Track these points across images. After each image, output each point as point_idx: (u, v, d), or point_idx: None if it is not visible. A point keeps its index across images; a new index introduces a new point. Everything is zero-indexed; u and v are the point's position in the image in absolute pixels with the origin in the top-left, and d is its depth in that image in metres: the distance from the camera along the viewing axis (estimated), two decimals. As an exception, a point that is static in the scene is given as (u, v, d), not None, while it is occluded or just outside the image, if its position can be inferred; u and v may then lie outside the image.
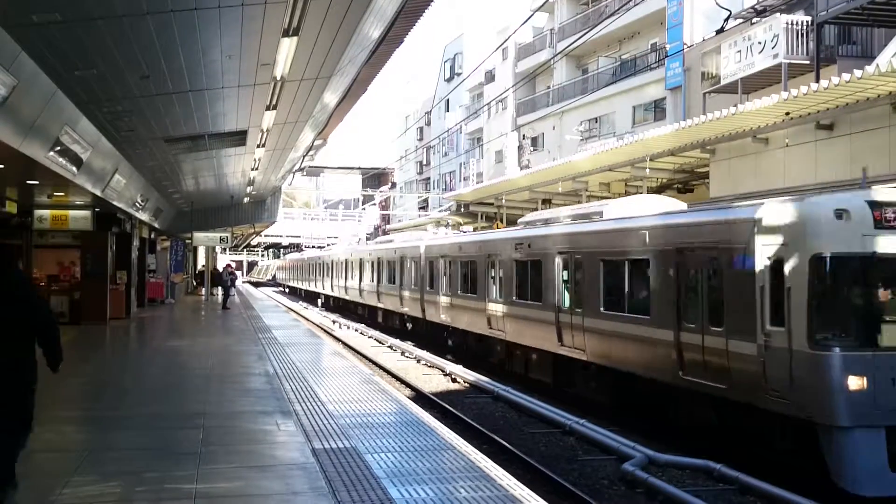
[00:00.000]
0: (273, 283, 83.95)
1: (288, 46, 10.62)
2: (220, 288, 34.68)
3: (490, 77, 48.56)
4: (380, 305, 31.59)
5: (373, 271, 32.05)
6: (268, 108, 14.91)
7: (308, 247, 62.14)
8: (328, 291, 45.30)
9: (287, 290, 70.46)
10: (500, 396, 15.18)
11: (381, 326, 30.94)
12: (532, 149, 42.66)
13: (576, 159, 22.04)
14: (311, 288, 52.17)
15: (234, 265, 43.50)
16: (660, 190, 21.98)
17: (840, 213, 8.94)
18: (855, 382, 8.59)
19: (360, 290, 34.72)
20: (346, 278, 38.19)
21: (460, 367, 18.79)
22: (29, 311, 6.01)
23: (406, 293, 26.70)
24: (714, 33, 19.74)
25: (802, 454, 9.39)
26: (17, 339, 5.93)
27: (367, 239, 47.48)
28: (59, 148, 12.69)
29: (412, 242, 27.11)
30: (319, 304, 49.03)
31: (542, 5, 24.28)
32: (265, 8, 9.27)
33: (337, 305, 43.69)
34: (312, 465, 7.25)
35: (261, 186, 31.09)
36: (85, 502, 6.24)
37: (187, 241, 39.00)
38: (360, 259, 34.80)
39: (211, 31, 10.12)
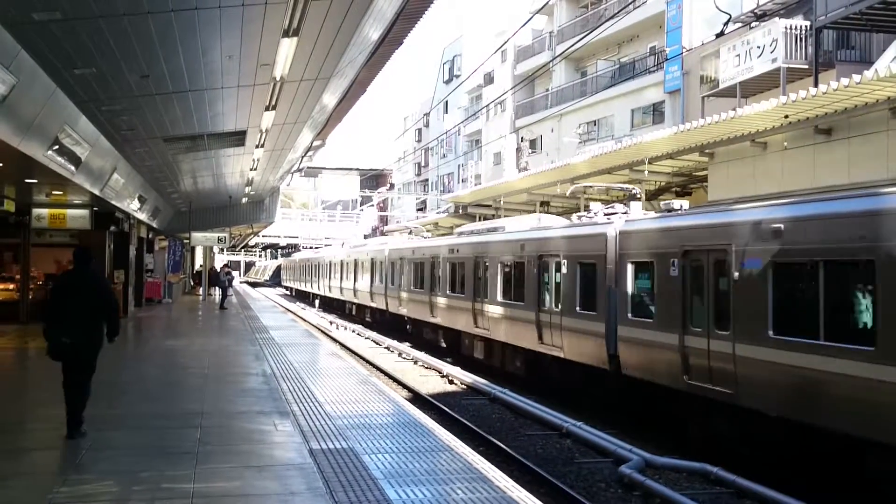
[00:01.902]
0: (271, 283, 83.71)
1: (288, 47, 10.63)
2: (217, 288, 34.71)
3: (489, 79, 48.60)
4: (478, 332, 19.75)
5: (460, 277, 21.36)
6: (267, 109, 14.92)
7: (305, 247, 61.94)
8: (365, 301, 33.63)
9: (294, 292, 64.16)
10: (496, 398, 15.18)
11: (496, 370, 18.84)
12: (530, 151, 42.70)
13: (574, 162, 22.04)
14: (336, 295, 41.08)
15: (229, 265, 42.96)
16: (658, 193, 21.97)
17: None
18: None
19: (432, 305, 23.57)
20: (399, 286, 27.58)
21: (458, 368, 18.76)
22: (102, 298, 8.29)
23: (548, 320, 15.69)
24: (713, 37, 19.77)
25: None
26: (95, 318, 8.23)
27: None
28: (57, 147, 12.69)
29: (579, 228, 15.49)
30: (315, 304, 48.83)
31: (542, 8, 24.16)
32: (265, 8, 9.28)
33: (381, 319, 31.54)
34: (310, 465, 7.26)
35: (259, 187, 31.08)
36: (81, 501, 6.25)
37: (185, 241, 39.01)
38: (435, 256, 23.60)
39: (211, 32, 10.13)
